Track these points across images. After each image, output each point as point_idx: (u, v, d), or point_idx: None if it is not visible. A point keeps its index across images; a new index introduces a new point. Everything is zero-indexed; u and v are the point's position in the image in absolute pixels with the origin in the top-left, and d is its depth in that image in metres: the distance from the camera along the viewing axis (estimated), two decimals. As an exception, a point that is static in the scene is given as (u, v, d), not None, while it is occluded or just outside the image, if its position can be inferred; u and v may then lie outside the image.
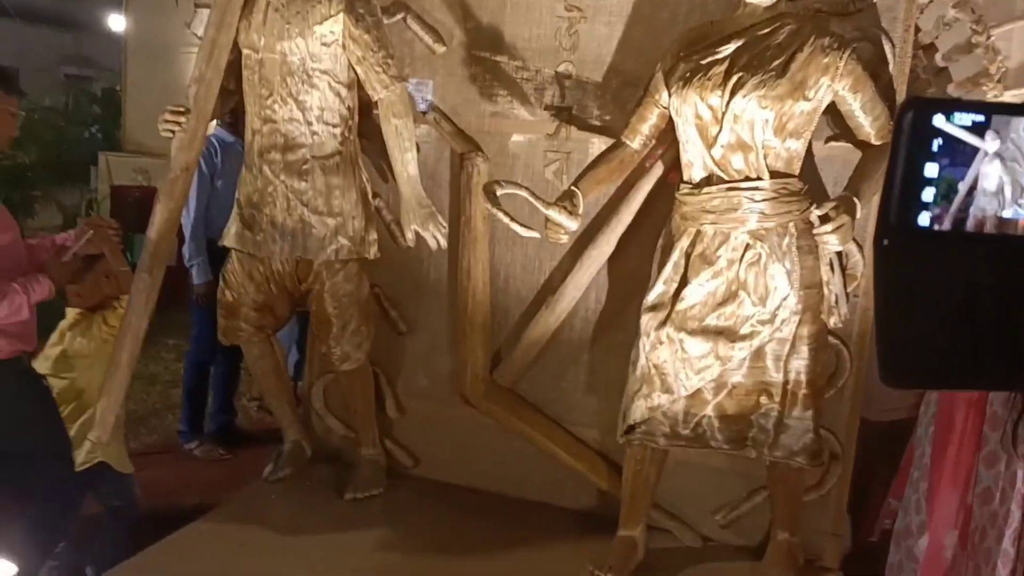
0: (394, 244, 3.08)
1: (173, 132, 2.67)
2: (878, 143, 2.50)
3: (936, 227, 0.86)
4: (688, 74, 2.47)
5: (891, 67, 2.59)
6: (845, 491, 2.79)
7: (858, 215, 2.31)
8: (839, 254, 2.51)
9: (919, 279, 0.88)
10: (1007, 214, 0.90)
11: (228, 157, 3.93)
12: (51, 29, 13.49)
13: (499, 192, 2.43)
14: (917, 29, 2.71)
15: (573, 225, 2.56)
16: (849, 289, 2.59)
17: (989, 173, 0.92)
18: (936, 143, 0.86)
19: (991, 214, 0.90)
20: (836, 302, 2.51)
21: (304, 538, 2.76)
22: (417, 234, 2.79)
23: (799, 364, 2.47)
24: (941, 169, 0.86)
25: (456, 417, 3.12)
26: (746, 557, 2.81)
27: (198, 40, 2.76)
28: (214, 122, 2.98)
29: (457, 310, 3.04)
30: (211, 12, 2.68)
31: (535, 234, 2.50)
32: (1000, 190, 0.95)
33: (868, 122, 2.48)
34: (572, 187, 2.61)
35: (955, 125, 0.85)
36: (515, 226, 2.43)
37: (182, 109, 2.66)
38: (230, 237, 2.91)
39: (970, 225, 0.88)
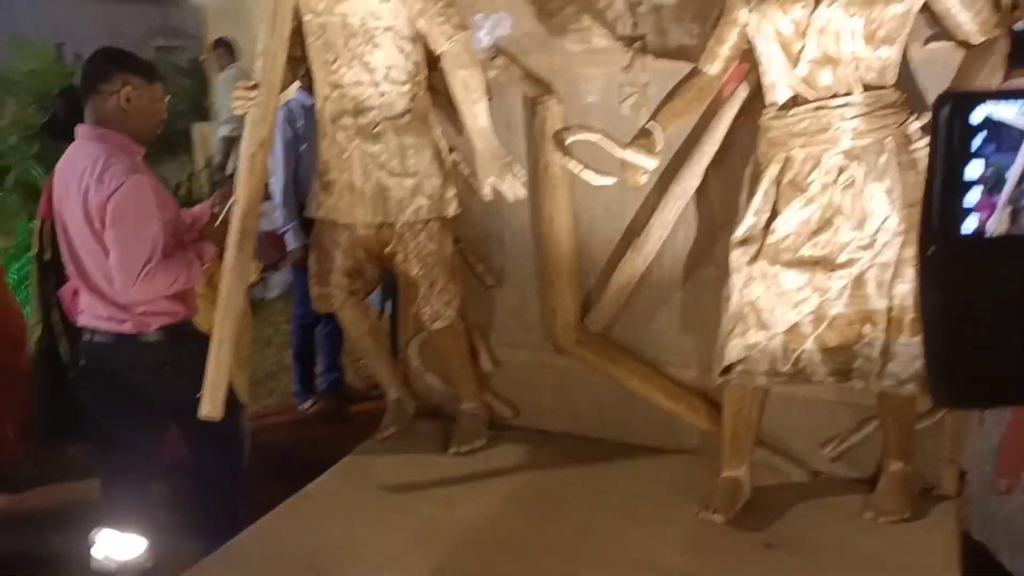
0: (474, 197, 3.03)
1: (246, 108, 2.68)
2: (982, 39, 2.28)
3: (983, 232, 0.79)
4: None
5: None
6: (963, 416, 2.63)
7: None
8: None
9: (969, 288, 0.81)
10: None
11: (311, 120, 3.93)
12: (138, 4, 13.86)
13: (569, 140, 2.35)
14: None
15: (652, 164, 2.46)
16: None
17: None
18: (978, 138, 0.78)
19: None
20: None
21: (413, 495, 2.81)
22: (494, 187, 2.73)
23: (904, 288, 2.33)
24: (987, 158, 0.77)
25: (551, 366, 3.10)
26: (859, 490, 2.70)
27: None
28: (295, 85, 2.97)
29: (543, 259, 2.99)
30: (267, -19, 2.64)
31: (610, 180, 2.41)
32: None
33: (969, 18, 2.26)
34: (649, 123, 2.51)
35: (1000, 111, 0.77)
36: (588, 174, 2.35)
37: (253, 84, 2.66)
38: (314, 206, 2.93)
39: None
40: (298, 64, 2.84)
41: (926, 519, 2.55)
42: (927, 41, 2.42)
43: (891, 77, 2.30)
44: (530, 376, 3.17)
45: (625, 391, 2.99)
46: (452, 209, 2.88)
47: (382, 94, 2.73)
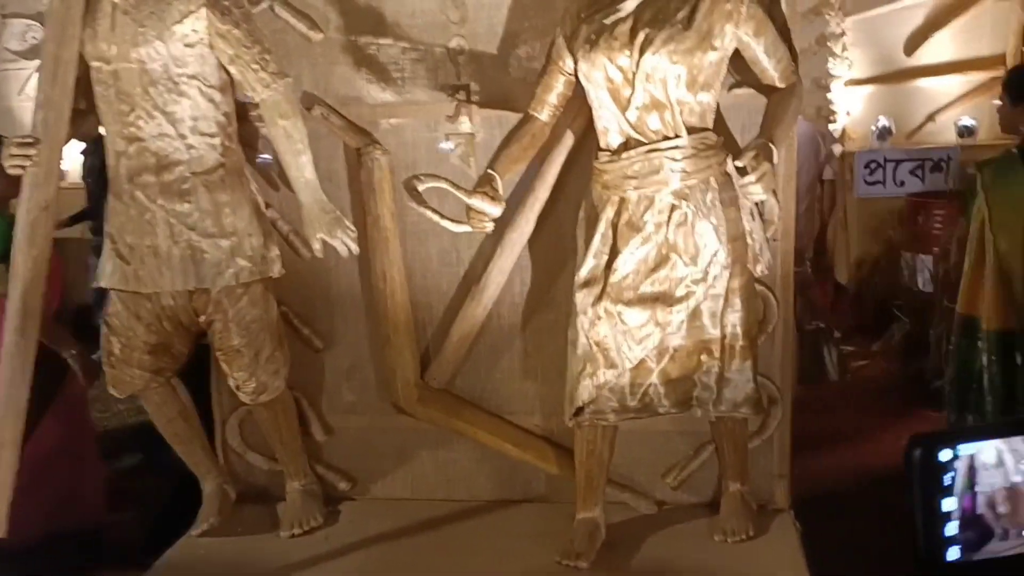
0: (296, 257, 2.82)
1: (24, 167, 2.32)
2: (783, 85, 2.48)
3: (968, 559, 0.89)
4: (593, 36, 2.37)
5: (783, 6, 2.57)
6: (788, 433, 2.83)
7: (775, 161, 2.28)
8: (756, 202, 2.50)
9: None
10: (1016, 479, 0.96)
11: None
12: None
13: (421, 188, 2.26)
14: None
15: (498, 211, 2.44)
16: (768, 234, 2.59)
17: (984, 448, 0.98)
18: (949, 475, 0.90)
19: (999, 487, 0.95)
20: (760, 250, 2.51)
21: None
22: (324, 243, 2.56)
23: (734, 317, 2.46)
24: (960, 494, 0.91)
25: (390, 428, 2.93)
26: (703, 514, 2.81)
27: (12, 55, 2.40)
28: None
29: (377, 316, 2.83)
30: (47, 25, 2.32)
31: (467, 228, 2.35)
32: (1000, 461, 0.99)
33: (772, 65, 2.45)
34: (489, 171, 2.48)
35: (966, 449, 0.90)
36: (446, 223, 2.27)
37: (30, 140, 2.30)
38: (106, 277, 2.58)
39: (981, 503, 0.93)
40: (82, 118, 2.51)
41: (769, 534, 2.69)
42: (731, 88, 2.60)
43: (710, 121, 2.44)
44: (367, 442, 2.98)
45: (468, 447, 2.91)
46: (276, 270, 2.65)
47: (190, 147, 2.47)
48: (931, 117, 5.57)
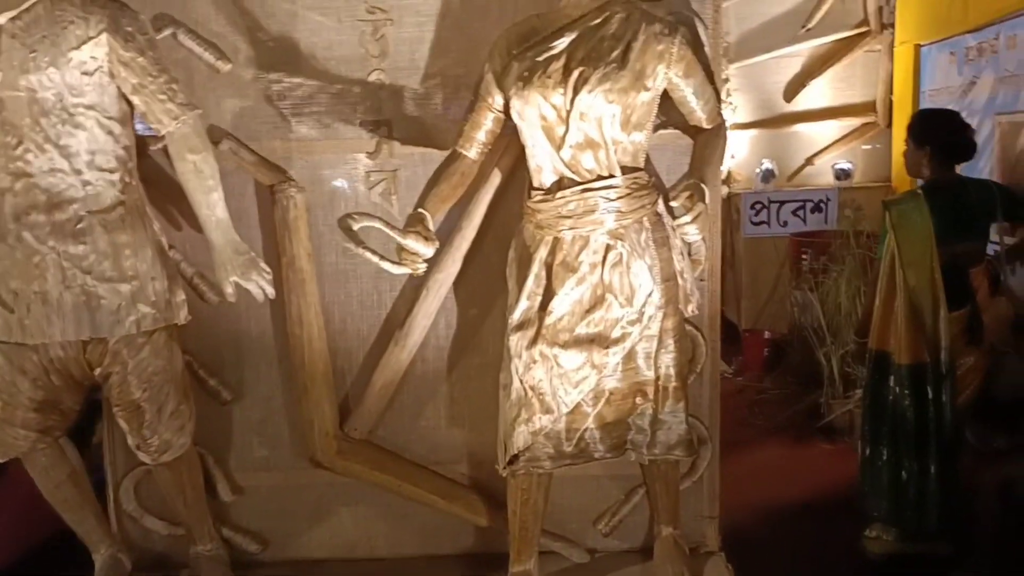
0: (203, 302, 2.61)
1: None
2: (710, 127, 2.51)
3: None
4: (526, 73, 2.31)
5: (707, 49, 2.60)
6: (716, 473, 2.82)
7: (707, 200, 2.28)
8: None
9: None
10: None
11: None
12: None
13: (356, 227, 2.12)
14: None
15: (431, 251, 2.34)
16: (696, 274, 2.59)
17: None
18: None
19: None
20: (690, 290, 2.51)
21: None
22: (237, 286, 2.37)
23: (667, 358, 2.44)
24: None
25: (306, 484, 2.75)
26: (636, 560, 2.76)
27: None
28: None
29: (292, 364, 2.65)
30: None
31: (406, 270, 2.23)
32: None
33: (700, 106, 2.47)
34: (420, 210, 2.37)
35: None
36: (386, 264, 2.14)
37: None
38: None
39: None
40: None
41: (703, 576, 2.65)
42: (656, 129, 2.59)
43: (642, 160, 2.43)
44: (281, 500, 2.77)
45: (392, 500, 2.75)
46: (182, 316, 2.43)
47: (86, 184, 2.25)
48: (810, 160, 5.84)
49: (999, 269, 3.19)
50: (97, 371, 2.37)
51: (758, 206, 5.57)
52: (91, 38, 2.18)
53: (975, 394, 3.17)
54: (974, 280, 3.09)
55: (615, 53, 2.29)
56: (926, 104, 5.35)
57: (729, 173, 5.80)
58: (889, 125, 5.66)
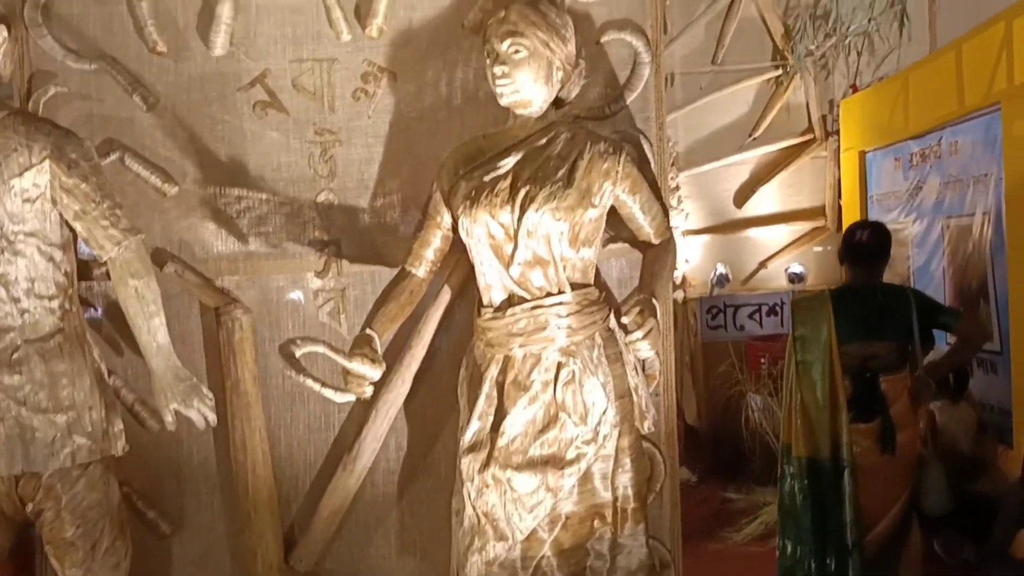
0: (141, 430, 2.51)
1: None
2: (658, 241, 2.52)
3: None
4: (473, 193, 2.32)
5: (653, 165, 2.65)
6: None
7: (659, 316, 2.27)
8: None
9: None
10: None
11: None
12: None
13: (298, 353, 2.07)
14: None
15: (378, 374, 2.28)
16: (650, 389, 2.56)
17: None
18: None
19: None
20: (645, 406, 2.46)
21: None
22: (178, 413, 2.29)
23: (625, 478, 2.37)
24: None
25: (249, 621, 2.59)
26: None
27: None
28: None
29: (235, 493, 2.54)
30: None
31: (351, 397, 2.17)
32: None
33: (647, 222, 2.49)
34: (367, 331, 2.33)
35: None
36: (328, 392, 2.08)
37: None
38: None
39: None
40: None
41: None
42: (606, 243, 2.62)
43: (591, 276, 2.42)
44: (222, 639, 2.61)
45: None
46: (119, 447, 2.33)
47: (23, 312, 2.18)
48: (763, 264, 5.95)
49: (925, 382, 3.21)
50: (29, 507, 2.24)
51: (714, 310, 5.62)
52: (34, 165, 2.15)
53: (906, 504, 3.15)
54: (889, 389, 3.11)
55: (561, 172, 2.32)
56: (874, 208, 5.52)
57: (684, 278, 5.87)
58: (839, 229, 5.80)
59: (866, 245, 3.20)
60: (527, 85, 2.29)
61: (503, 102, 2.32)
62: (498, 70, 2.27)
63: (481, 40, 2.33)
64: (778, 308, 5.58)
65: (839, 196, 5.78)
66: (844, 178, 5.76)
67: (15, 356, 2.17)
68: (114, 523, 2.32)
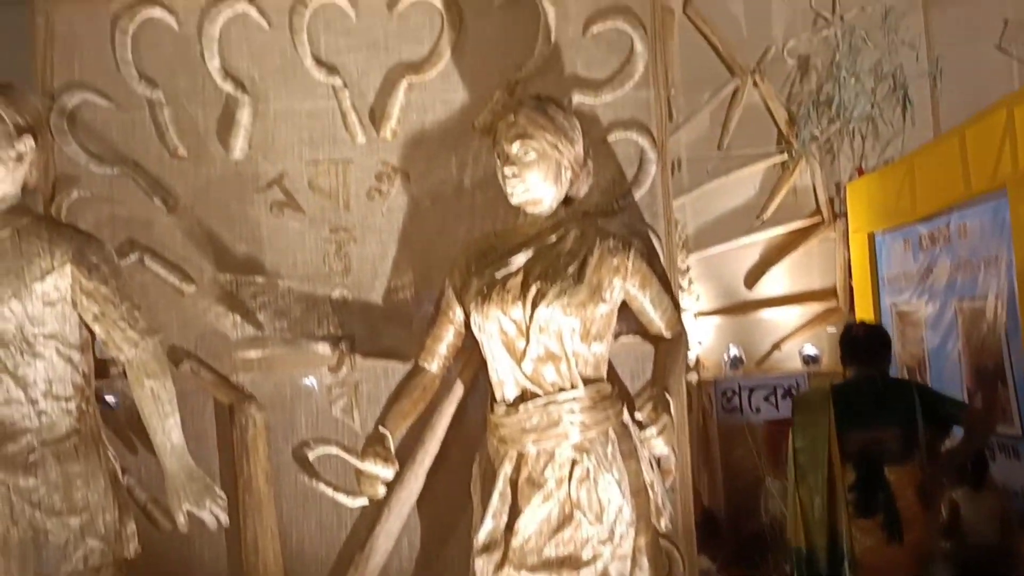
0: (154, 529, 2.50)
1: None
2: (670, 335, 2.53)
3: None
4: (485, 289, 2.34)
5: (662, 259, 2.69)
6: None
7: (673, 411, 2.27)
8: None
9: None
10: None
11: None
12: None
13: (311, 456, 2.08)
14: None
15: (391, 474, 2.28)
16: (667, 485, 2.53)
17: None
18: None
19: None
20: (662, 503, 2.43)
21: None
22: (191, 515, 2.28)
23: None
24: None
25: None
26: None
27: None
28: None
29: (246, 593, 2.52)
30: None
31: (363, 501, 2.17)
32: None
33: (658, 316, 2.50)
34: (380, 429, 2.33)
35: None
36: (341, 497, 2.08)
37: None
38: None
39: None
40: None
41: None
42: (617, 336, 2.63)
43: (604, 371, 2.42)
44: None
45: None
46: (132, 549, 2.31)
47: (40, 413, 2.20)
48: (776, 346, 5.92)
49: (935, 474, 3.20)
50: (39, 612, 2.22)
51: (729, 393, 5.57)
52: (55, 269, 2.20)
53: None
54: (896, 481, 3.09)
55: (571, 268, 2.35)
56: (885, 289, 5.52)
57: (697, 360, 5.85)
58: (852, 310, 5.79)
59: (865, 347, 3.27)
60: (537, 185, 2.34)
61: (514, 201, 2.37)
62: (508, 171, 2.33)
63: (491, 141, 2.40)
64: (794, 390, 5.52)
65: (850, 277, 5.79)
66: (854, 260, 5.77)
67: (31, 458, 2.18)
68: (125, 627, 2.30)
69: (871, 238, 5.63)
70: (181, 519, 2.28)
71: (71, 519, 2.20)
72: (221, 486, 2.40)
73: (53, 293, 2.21)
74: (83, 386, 2.30)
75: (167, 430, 2.29)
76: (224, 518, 2.30)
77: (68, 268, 2.21)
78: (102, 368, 2.47)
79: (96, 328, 2.27)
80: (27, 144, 2.22)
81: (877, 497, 3.06)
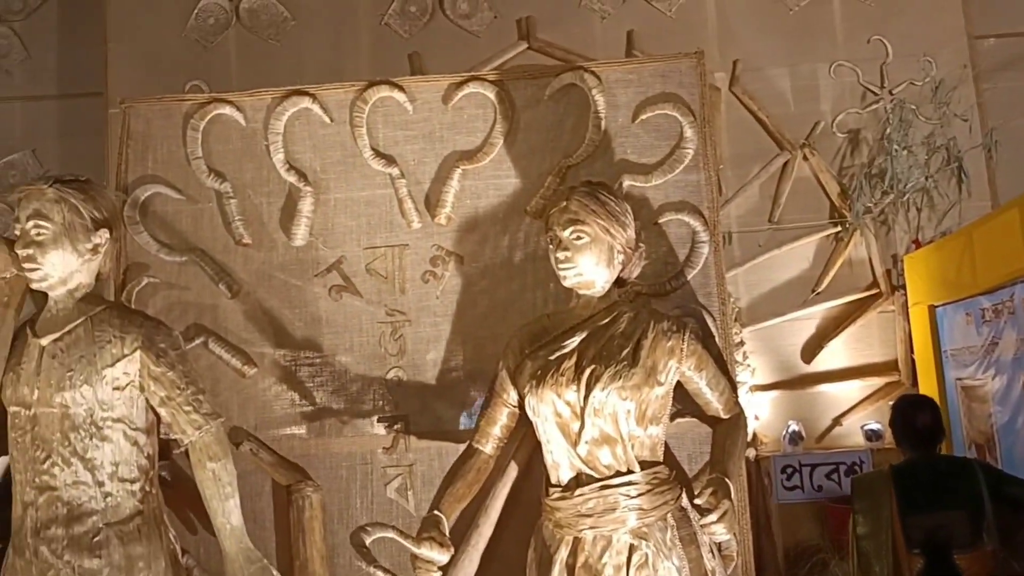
0: (212, 609, 2.53)
1: None
2: (727, 416, 2.51)
3: None
4: (539, 371, 2.36)
5: (717, 339, 2.68)
6: None
7: (733, 496, 2.23)
8: None
9: None
10: None
11: None
12: None
13: (368, 541, 2.09)
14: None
15: (446, 558, 2.27)
16: (728, 572, 2.48)
17: None
18: None
19: None
20: None
21: None
22: (249, 601, 2.31)
23: None
24: None
25: None
26: None
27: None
28: None
29: None
30: (-31, 372, 2.19)
31: (422, 586, 2.16)
32: None
33: (715, 397, 2.49)
34: (435, 512, 2.34)
35: None
36: (396, 584, 2.08)
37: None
38: None
39: None
40: None
41: None
42: (673, 418, 2.61)
43: (660, 454, 2.40)
44: None
45: None
46: (191, 629, 2.35)
47: (107, 495, 2.27)
48: (837, 421, 5.78)
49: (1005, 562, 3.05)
50: None
51: (789, 470, 5.44)
52: (125, 355, 2.30)
53: None
54: (967, 568, 2.95)
55: (626, 351, 2.35)
56: (948, 363, 5.38)
57: (755, 435, 5.73)
58: (914, 383, 5.64)
59: (928, 426, 3.16)
60: (589, 268, 2.37)
61: (567, 284, 2.40)
62: (561, 255, 2.37)
63: (544, 225, 2.45)
64: (857, 467, 5.37)
65: (911, 350, 5.66)
66: (915, 333, 5.64)
67: (96, 539, 2.24)
68: None
69: (932, 311, 5.51)
70: (239, 605, 2.30)
71: (133, 601, 2.25)
72: (278, 567, 2.43)
73: (123, 378, 2.30)
74: (148, 468, 2.37)
75: (227, 512, 2.34)
76: (280, 602, 2.33)
77: (138, 354, 2.31)
78: (164, 449, 2.52)
79: (162, 411, 2.35)
80: (103, 237, 2.35)
81: None
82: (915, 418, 3.17)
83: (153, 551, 2.31)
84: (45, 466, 2.24)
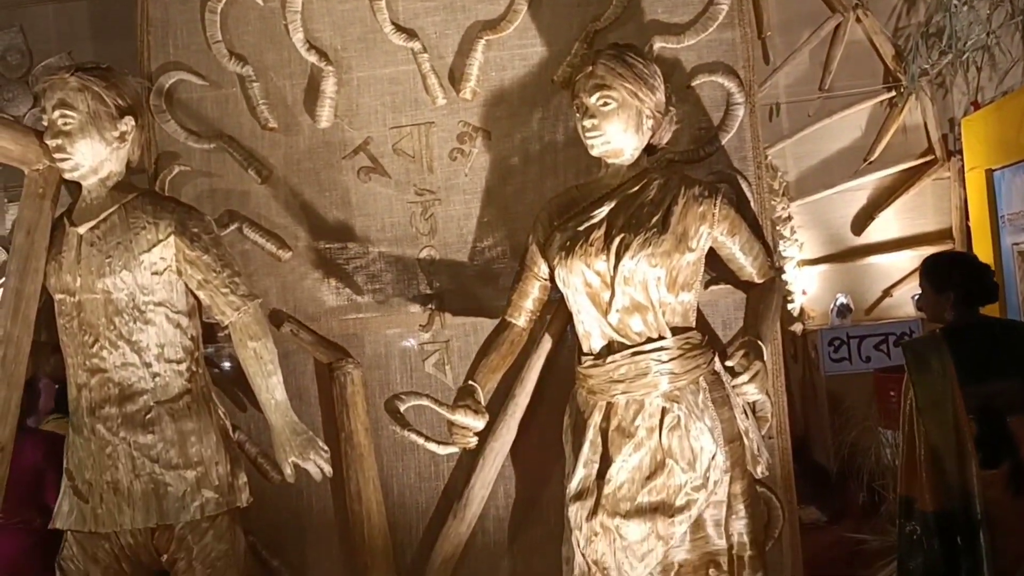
0: (264, 481, 2.66)
1: None
2: (761, 280, 2.49)
3: None
4: (568, 243, 2.35)
5: (752, 204, 2.63)
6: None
7: (766, 357, 2.23)
8: None
9: None
10: None
11: None
12: None
13: (403, 407, 2.15)
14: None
15: (481, 425, 2.33)
16: (763, 432, 2.50)
17: None
18: None
19: None
20: (758, 450, 2.40)
21: None
22: (296, 466, 2.41)
23: (739, 525, 2.31)
24: None
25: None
26: None
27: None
28: None
29: (352, 540, 2.65)
30: (10, 258, 2.27)
31: (454, 449, 2.23)
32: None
33: (749, 262, 2.46)
34: (470, 382, 2.39)
35: None
36: (432, 445, 2.15)
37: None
38: (62, 516, 2.38)
39: None
40: (42, 351, 2.41)
41: None
42: (707, 285, 2.60)
43: (692, 320, 2.40)
44: None
45: None
46: (244, 499, 2.47)
47: (155, 375, 2.37)
48: (887, 292, 5.67)
49: None
50: (164, 557, 2.41)
51: (837, 342, 5.40)
52: (160, 241, 2.35)
53: None
54: (1018, 430, 2.89)
55: (655, 218, 2.32)
56: (1006, 228, 5.21)
57: (802, 310, 5.68)
58: (970, 251, 5.49)
59: (993, 284, 3.00)
60: (617, 135, 2.32)
61: (594, 152, 2.35)
62: (588, 123, 2.32)
63: (570, 94, 2.39)
64: (907, 337, 5.31)
65: (966, 218, 5.48)
66: (971, 199, 5.45)
67: (148, 417, 2.35)
68: (241, 572, 2.46)
69: (989, 175, 5.30)
70: (288, 471, 2.42)
71: (187, 472, 2.37)
72: (324, 440, 2.52)
73: (160, 263, 2.36)
74: (192, 349, 2.45)
75: (271, 388, 2.43)
76: (328, 469, 2.43)
77: (172, 239, 2.36)
78: (209, 333, 2.60)
79: (200, 294, 2.42)
80: (128, 124, 2.37)
81: (1000, 450, 2.89)
82: (983, 276, 3.02)
83: (204, 426, 2.42)
84: (94, 349, 2.33)
